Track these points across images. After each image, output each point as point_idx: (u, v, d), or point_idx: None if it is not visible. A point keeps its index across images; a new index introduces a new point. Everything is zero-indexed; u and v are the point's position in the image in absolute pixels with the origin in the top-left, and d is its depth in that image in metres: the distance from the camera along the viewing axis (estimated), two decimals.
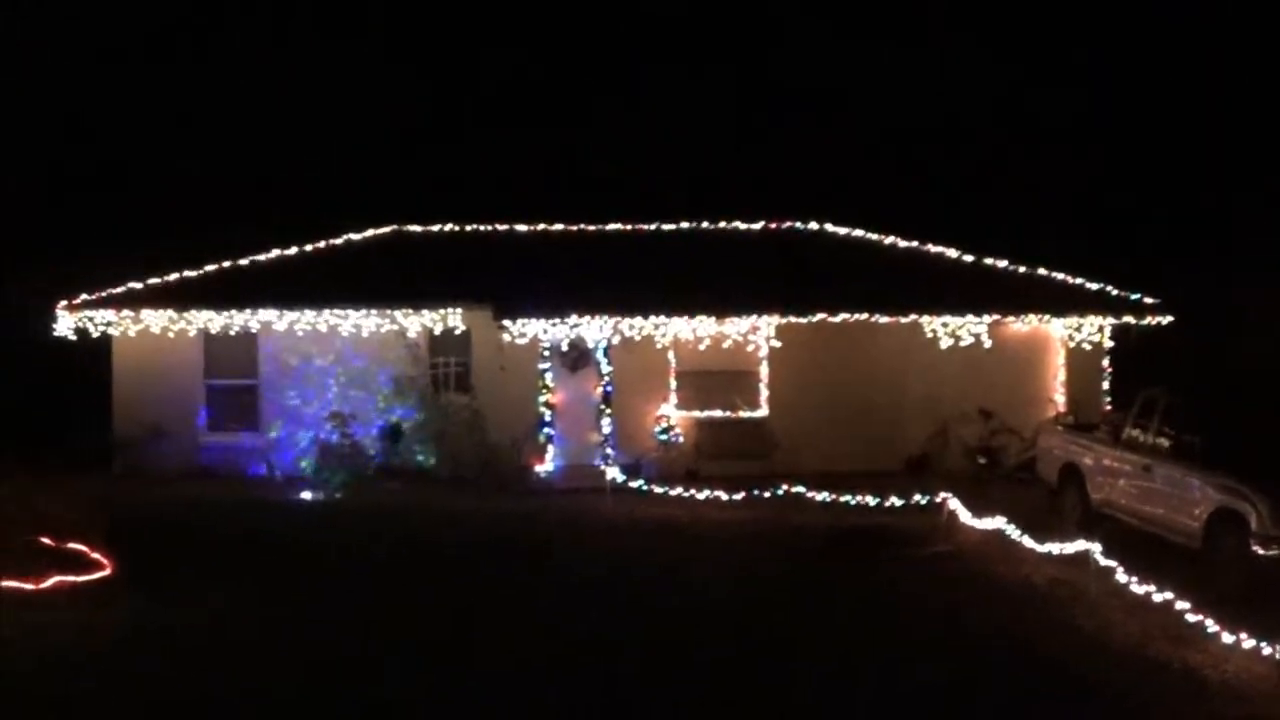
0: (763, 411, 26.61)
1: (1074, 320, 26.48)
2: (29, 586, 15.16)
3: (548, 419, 25.66)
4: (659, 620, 14.54)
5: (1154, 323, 26.39)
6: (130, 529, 18.44)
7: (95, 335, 26.09)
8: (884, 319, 25.84)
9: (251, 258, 27.61)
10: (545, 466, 25.44)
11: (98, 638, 13.66)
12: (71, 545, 17.12)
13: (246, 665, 12.76)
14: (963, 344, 25.96)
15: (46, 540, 17.33)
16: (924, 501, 21.46)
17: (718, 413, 26.54)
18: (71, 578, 15.79)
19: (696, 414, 26.47)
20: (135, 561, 16.69)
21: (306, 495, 23.68)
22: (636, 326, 25.49)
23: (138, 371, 26.31)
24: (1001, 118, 39.27)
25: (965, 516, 19.76)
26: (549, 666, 12.70)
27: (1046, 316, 26.36)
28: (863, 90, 40.31)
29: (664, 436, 26.00)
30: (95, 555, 16.72)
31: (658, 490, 24.06)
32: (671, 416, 26.25)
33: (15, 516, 17.62)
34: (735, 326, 25.83)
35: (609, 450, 25.59)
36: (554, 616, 14.73)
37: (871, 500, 22.36)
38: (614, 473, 24.68)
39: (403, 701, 11.82)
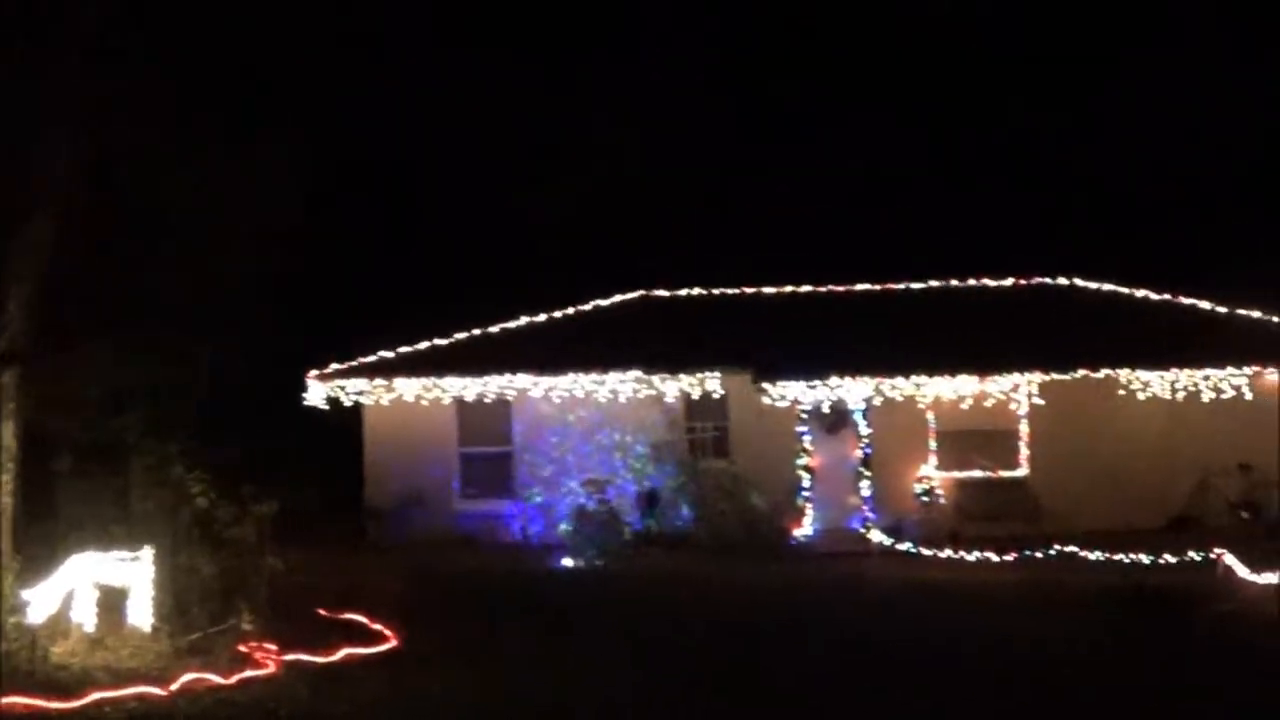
0: (1023, 470, 26.00)
1: None
2: (319, 659, 14.86)
3: (805, 482, 25.26)
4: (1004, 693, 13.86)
5: None
6: (401, 599, 18.28)
7: (347, 404, 26.27)
8: (1146, 374, 25.02)
9: (502, 325, 27.75)
10: (803, 530, 25.07)
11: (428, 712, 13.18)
12: (348, 616, 17.06)
13: None
14: (1223, 396, 24.95)
15: (323, 611, 17.33)
16: (1198, 559, 21.37)
17: (977, 473, 25.95)
18: (361, 649, 15.45)
19: (956, 474, 25.93)
20: (418, 633, 16.28)
21: (568, 562, 23.55)
22: (898, 387, 25.08)
23: (390, 440, 26.53)
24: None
25: (1242, 572, 19.60)
26: None
27: None
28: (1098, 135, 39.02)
29: (925, 497, 25.47)
30: (375, 626, 16.50)
31: (925, 552, 23.75)
32: (933, 477, 25.72)
33: (291, 588, 17.48)
34: (997, 385, 25.27)
35: (868, 513, 25.11)
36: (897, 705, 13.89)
37: (1145, 559, 21.92)
38: (879, 535, 24.28)
39: None
